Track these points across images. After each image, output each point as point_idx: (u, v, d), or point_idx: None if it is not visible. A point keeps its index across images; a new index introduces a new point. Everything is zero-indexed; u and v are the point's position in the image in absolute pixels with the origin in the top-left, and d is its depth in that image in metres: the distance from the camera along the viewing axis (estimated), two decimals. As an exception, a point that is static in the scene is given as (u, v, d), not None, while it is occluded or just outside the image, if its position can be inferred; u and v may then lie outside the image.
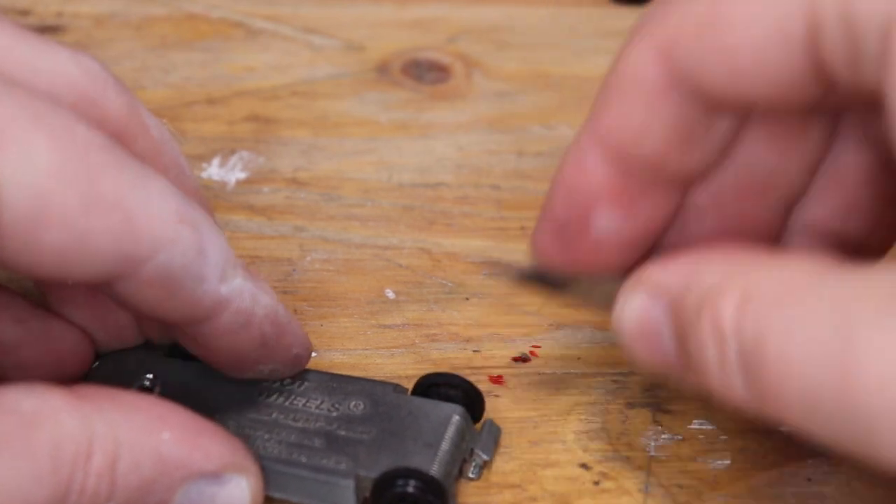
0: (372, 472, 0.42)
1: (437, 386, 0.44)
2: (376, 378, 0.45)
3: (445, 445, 0.43)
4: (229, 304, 0.40)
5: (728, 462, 0.45)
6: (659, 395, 0.46)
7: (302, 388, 0.44)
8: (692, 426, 0.46)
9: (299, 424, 0.43)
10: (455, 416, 0.43)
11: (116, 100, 0.41)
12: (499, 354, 0.48)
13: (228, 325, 0.40)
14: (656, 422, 0.46)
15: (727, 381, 0.36)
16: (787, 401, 0.34)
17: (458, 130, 0.56)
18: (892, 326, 0.32)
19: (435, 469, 0.42)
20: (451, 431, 0.43)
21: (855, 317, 0.33)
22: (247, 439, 0.42)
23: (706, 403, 0.46)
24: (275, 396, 0.44)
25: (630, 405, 0.46)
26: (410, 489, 0.41)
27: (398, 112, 0.57)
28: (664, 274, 0.39)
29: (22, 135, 0.36)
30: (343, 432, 0.43)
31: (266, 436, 0.43)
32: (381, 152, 0.55)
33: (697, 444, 0.45)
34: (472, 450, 0.44)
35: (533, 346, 0.48)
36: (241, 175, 0.53)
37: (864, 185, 0.41)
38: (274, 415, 0.43)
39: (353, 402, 0.44)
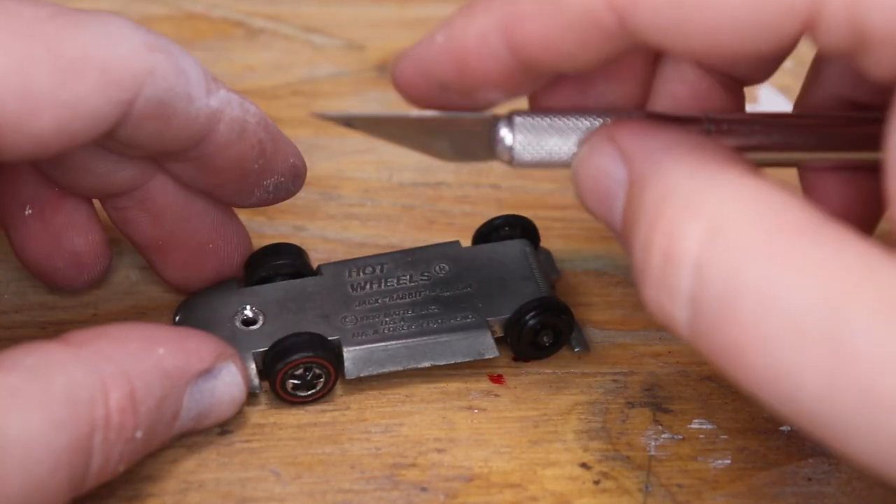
0: (499, 314, 0.46)
1: (497, 230, 0.49)
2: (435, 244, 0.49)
3: (538, 273, 0.48)
4: (222, 115, 0.42)
5: (728, 462, 0.45)
6: (659, 394, 0.46)
7: (384, 271, 0.48)
8: (692, 426, 0.46)
9: (407, 300, 0.47)
10: (526, 248, 0.48)
11: None
12: (499, 354, 0.48)
13: (227, 136, 0.43)
14: (656, 421, 0.46)
15: (665, 304, 0.35)
16: (746, 362, 0.33)
17: (458, 130, 0.56)
18: (882, 327, 0.31)
19: (547, 293, 0.47)
20: (532, 261, 0.48)
21: (849, 315, 0.32)
22: (372, 328, 0.46)
23: (707, 403, 0.46)
24: (367, 287, 0.47)
25: (630, 405, 0.46)
26: (545, 317, 0.46)
27: (399, 111, 0.57)
28: (632, 139, 0.37)
29: None
30: (447, 293, 0.47)
31: (387, 319, 0.46)
32: (381, 152, 0.55)
33: (698, 443, 0.45)
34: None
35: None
36: (242, 174, 0.53)
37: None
38: (379, 300, 0.47)
39: (436, 267, 0.48)
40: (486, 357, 0.46)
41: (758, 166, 0.37)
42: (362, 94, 0.57)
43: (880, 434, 0.31)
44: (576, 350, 0.47)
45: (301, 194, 0.53)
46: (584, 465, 0.44)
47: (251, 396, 0.45)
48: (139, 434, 0.39)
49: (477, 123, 0.40)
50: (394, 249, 0.50)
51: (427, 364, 0.46)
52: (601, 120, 0.40)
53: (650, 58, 0.41)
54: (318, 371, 0.45)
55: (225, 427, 0.44)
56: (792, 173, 0.45)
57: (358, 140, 0.55)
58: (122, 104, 0.39)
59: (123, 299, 0.49)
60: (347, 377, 0.45)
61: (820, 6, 0.33)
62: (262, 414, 0.45)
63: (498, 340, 0.46)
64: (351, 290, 0.47)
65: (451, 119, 0.40)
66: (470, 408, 0.46)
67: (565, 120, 0.40)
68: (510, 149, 0.40)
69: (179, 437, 0.43)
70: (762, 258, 0.33)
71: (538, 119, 0.40)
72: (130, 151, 0.43)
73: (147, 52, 0.40)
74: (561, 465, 0.44)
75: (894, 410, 0.31)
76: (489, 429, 0.45)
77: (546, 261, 0.49)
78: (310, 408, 0.45)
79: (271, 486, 0.43)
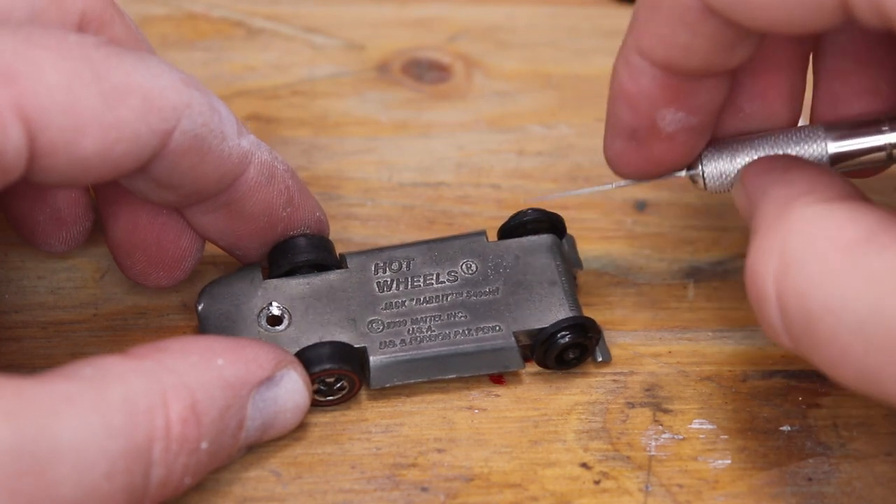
0: (527, 326, 0.46)
1: (523, 225, 0.48)
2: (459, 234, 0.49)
3: (564, 278, 0.47)
4: (253, 156, 0.44)
5: (728, 462, 0.45)
6: (659, 394, 0.46)
7: (410, 268, 0.47)
8: (692, 426, 0.46)
9: (434, 304, 0.46)
10: (552, 245, 0.48)
11: None
12: (499, 354, 0.48)
13: (257, 179, 0.44)
14: (657, 421, 0.46)
15: (773, 336, 0.39)
16: (843, 371, 0.37)
17: (458, 130, 0.56)
18: None
19: (574, 308, 0.46)
20: (559, 262, 0.47)
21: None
22: (399, 336, 0.45)
23: (707, 403, 0.46)
24: (394, 286, 0.47)
25: (630, 405, 0.46)
26: (576, 337, 0.46)
27: (399, 111, 0.57)
28: (752, 183, 0.42)
29: (26, 61, 0.38)
30: (475, 297, 0.46)
31: (414, 327, 0.46)
32: (381, 152, 0.55)
33: (698, 443, 0.45)
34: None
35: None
36: (242, 174, 0.53)
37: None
38: (406, 303, 0.46)
39: (463, 264, 0.47)
40: (511, 370, 0.46)
41: (844, 181, 0.41)
42: (362, 94, 0.57)
43: None
44: (598, 360, 0.47)
45: (301, 194, 0.53)
46: (584, 465, 0.44)
47: None
48: (204, 445, 0.40)
49: None
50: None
51: (452, 375, 0.46)
52: (768, 142, 0.45)
53: (793, 76, 0.45)
54: (343, 381, 0.45)
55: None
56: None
57: (358, 140, 0.56)
58: (161, 134, 0.40)
59: (123, 299, 0.49)
60: (372, 387, 0.45)
61: None
62: (262, 414, 0.45)
63: (522, 348, 0.46)
64: (377, 290, 0.47)
65: None
66: (470, 408, 0.46)
67: (742, 144, 0.45)
68: (703, 178, 0.45)
69: (249, 451, 0.43)
70: (825, 283, 0.37)
71: (724, 148, 0.45)
72: (164, 195, 0.43)
73: (184, 87, 0.41)
74: (561, 465, 0.44)
75: None
76: (489, 429, 0.45)
77: (570, 252, 0.49)
78: (310, 408, 0.45)
79: (272, 486, 0.43)
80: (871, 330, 0.36)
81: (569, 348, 0.46)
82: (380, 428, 0.45)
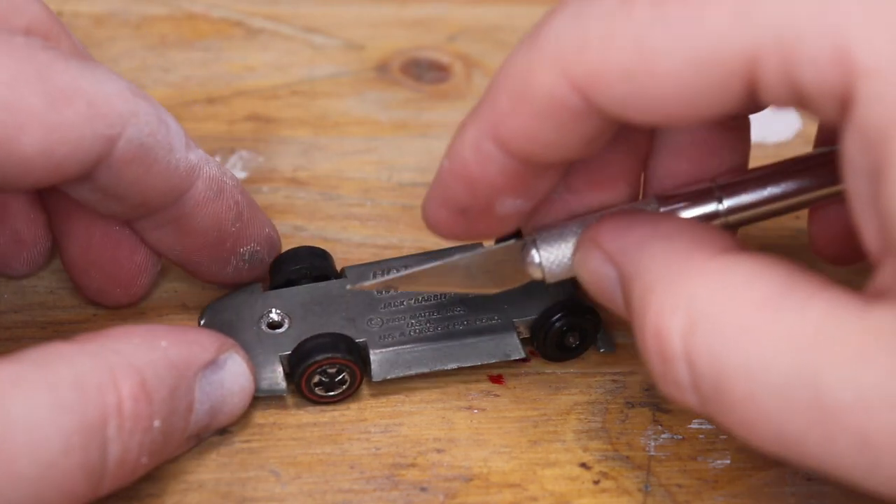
0: (525, 315, 0.46)
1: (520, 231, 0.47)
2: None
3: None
4: (201, 171, 0.43)
5: (728, 461, 0.45)
6: (659, 394, 0.46)
7: None
8: (692, 425, 0.46)
9: (432, 302, 0.47)
10: None
11: (34, 6, 0.43)
12: (499, 354, 0.48)
13: (205, 193, 0.44)
14: (656, 421, 0.46)
15: (677, 396, 0.37)
16: (759, 433, 0.36)
17: (457, 130, 0.56)
18: (857, 374, 0.34)
19: (572, 293, 0.46)
20: None
21: (823, 375, 0.34)
22: (398, 330, 0.46)
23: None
24: (392, 290, 0.46)
25: (630, 405, 0.46)
26: (572, 319, 0.46)
27: (398, 111, 0.57)
28: (612, 239, 0.40)
29: None
30: (473, 295, 0.46)
31: (413, 322, 0.46)
32: (380, 151, 0.55)
33: (697, 443, 0.45)
34: None
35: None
36: (241, 174, 0.53)
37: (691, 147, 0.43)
38: (404, 303, 0.47)
39: None
40: (513, 358, 0.46)
41: (732, 233, 0.40)
42: (362, 94, 0.57)
43: (881, 471, 0.34)
44: (601, 350, 0.47)
45: (301, 194, 0.53)
46: (583, 465, 0.44)
47: (278, 399, 0.45)
48: (157, 424, 0.40)
49: (505, 252, 0.43)
50: (398, 251, 0.50)
51: (453, 366, 0.46)
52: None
53: (636, 160, 0.43)
54: (344, 373, 0.45)
55: (225, 427, 0.44)
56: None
57: (358, 140, 0.56)
58: (106, 139, 0.40)
59: (123, 299, 0.49)
60: (374, 380, 0.45)
61: (756, 68, 0.35)
62: (262, 414, 0.45)
63: (523, 342, 0.46)
64: (376, 293, 0.47)
65: (482, 253, 0.43)
66: (469, 408, 0.46)
67: (576, 225, 0.42)
68: (541, 267, 0.42)
69: (200, 441, 0.43)
70: (739, 342, 0.35)
71: (558, 232, 0.42)
72: (111, 206, 0.43)
73: (131, 95, 0.41)
74: (560, 465, 0.44)
75: (886, 448, 0.34)
76: (489, 429, 0.45)
77: None
78: (310, 408, 0.45)
79: (271, 486, 0.43)
80: (792, 392, 0.34)
81: (567, 332, 0.46)
82: (379, 428, 0.45)
